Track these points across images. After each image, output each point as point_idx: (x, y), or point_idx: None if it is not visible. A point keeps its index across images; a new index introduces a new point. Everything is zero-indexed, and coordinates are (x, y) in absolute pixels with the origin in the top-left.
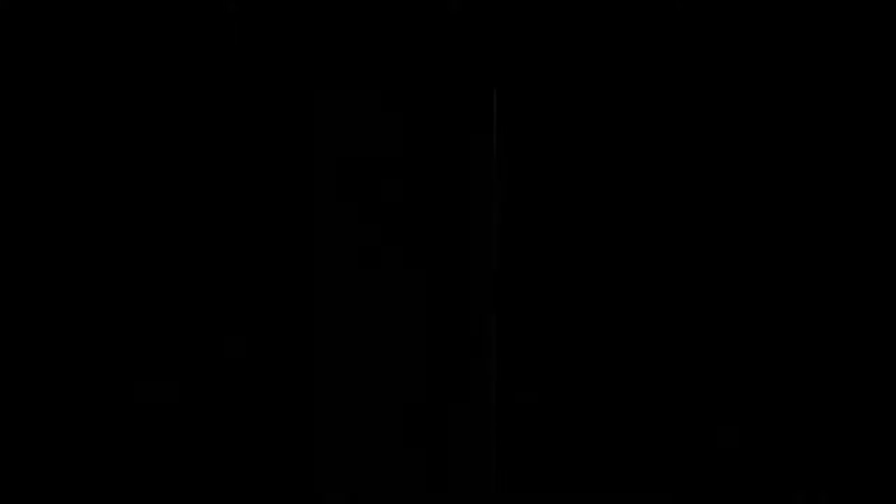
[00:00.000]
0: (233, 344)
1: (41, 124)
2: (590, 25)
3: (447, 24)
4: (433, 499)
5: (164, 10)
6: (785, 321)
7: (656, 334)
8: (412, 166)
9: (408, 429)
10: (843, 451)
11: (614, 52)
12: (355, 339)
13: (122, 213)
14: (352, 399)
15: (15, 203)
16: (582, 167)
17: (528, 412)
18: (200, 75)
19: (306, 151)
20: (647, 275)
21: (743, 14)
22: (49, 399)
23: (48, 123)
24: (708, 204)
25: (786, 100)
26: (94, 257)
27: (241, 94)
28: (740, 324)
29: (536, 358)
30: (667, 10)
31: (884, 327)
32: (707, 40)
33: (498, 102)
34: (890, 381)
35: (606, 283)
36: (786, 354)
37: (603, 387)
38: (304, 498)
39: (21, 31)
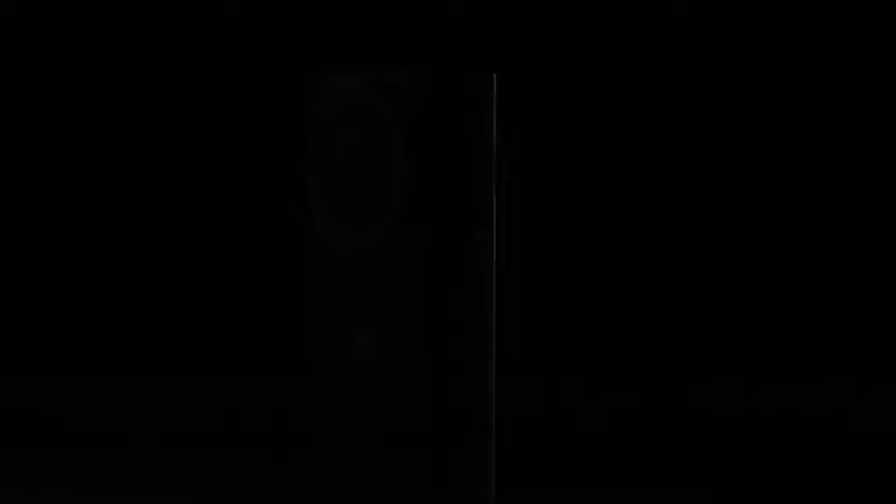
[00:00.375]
0: None
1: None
2: (579, 18)
3: (447, 19)
4: (433, 499)
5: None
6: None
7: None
8: (414, 151)
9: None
10: None
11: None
12: (354, 330)
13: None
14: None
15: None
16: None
17: (529, 412)
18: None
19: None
20: (654, 273)
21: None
22: None
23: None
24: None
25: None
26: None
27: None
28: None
29: (537, 353)
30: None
31: None
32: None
33: (497, 87)
34: None
35: (612, 275)
36: None
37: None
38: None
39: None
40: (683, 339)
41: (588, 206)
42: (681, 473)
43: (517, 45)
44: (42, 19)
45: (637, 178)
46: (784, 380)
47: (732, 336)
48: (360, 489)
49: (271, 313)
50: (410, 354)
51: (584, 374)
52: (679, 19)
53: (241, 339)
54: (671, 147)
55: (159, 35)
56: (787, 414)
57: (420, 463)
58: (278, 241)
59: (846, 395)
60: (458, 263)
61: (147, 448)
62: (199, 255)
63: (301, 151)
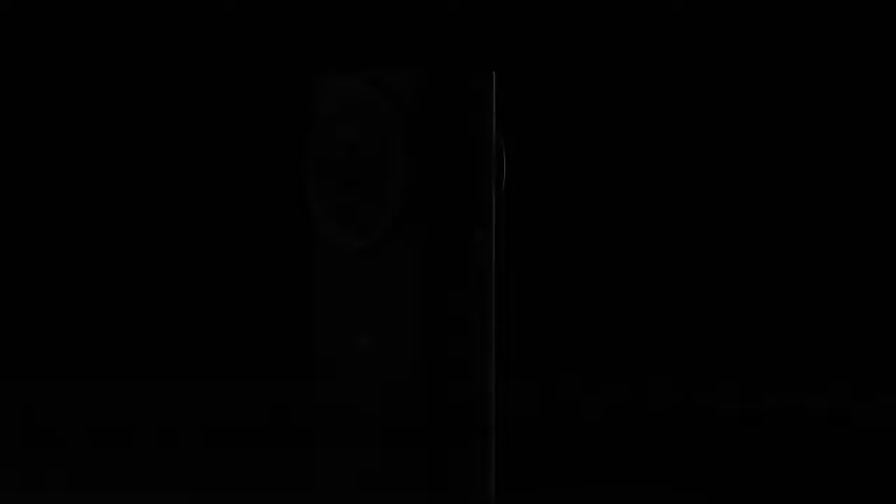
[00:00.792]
0: None
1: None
2: (579, 17)
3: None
4: (432, 499)
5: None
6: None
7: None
8: (413, 150)
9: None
10: None
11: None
12: (354, 330)
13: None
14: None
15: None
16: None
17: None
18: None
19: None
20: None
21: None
22: None
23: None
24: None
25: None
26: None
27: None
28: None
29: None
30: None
31: None
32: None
33: (497, 84)
34: None
35: (611, 272)
36: None
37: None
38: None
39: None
40: (683, 338)
41: (588, 204)
42: (681, 473)
43: (517, 43)
44: (42, 19)
45: (637, 176)
46: (784, 380)
47: (732, 336)
48: (360, 489)
49: (271, 313)
50: (410, 354)
51: (585, 374)
52: (679, 19)
53: (241, 339)
54: (671, 146)
55: (159, 35)
56: (787, 414)
57: (420, 463)
58: (278, 240)
59: (846, 395)
60: (458, 263)
61: (147, 448)
62: (199, 255)
63: (300, 151)
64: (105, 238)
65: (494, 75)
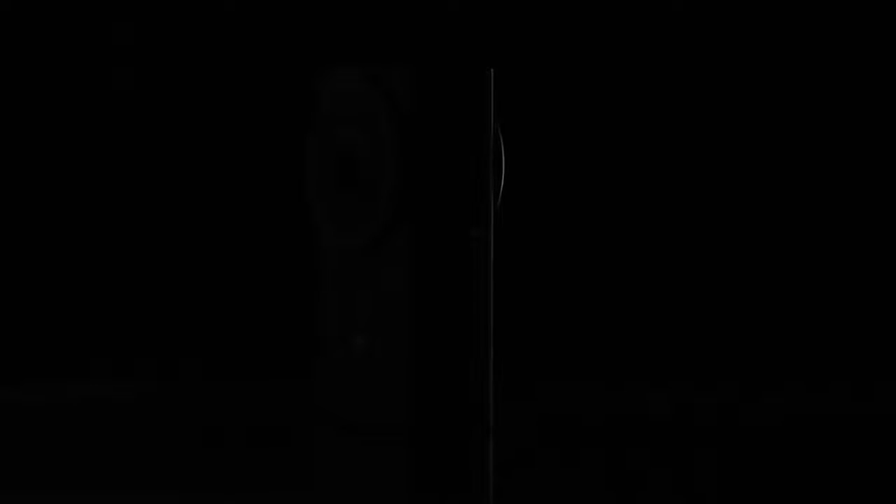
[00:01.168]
0: None
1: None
2: (579, 16)
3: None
4: (432, 499)
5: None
6: None
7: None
8: (413, 150)
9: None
10: None
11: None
12: (354, 329)
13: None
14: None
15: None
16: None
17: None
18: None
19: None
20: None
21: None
22: None
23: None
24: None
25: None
26: None
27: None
28: None
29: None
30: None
31: None
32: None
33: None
34: None
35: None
36: None
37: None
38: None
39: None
40: (684, 338)
41: (586, 204)
42: (681, 474)
43: (516, 42)
44: (42, 19)
45: (637, 175)
46: (784, 380)
47: (732, 336)
48: (359, 489)
49: (271, 313)
50: (409, 354)
51: (584, 374)
52: (679, 19)
53: (241, 338)
54: (671, 145)
55: (159, 34)
56: (787, 414)
57: (418, 463)
58: (277, 240)
59: (846, 395)
60: (457, 263)
61: (147, 448)
62: (199, 256)
63: (300, 151)
64: (105, 238)
65: (492, 73)
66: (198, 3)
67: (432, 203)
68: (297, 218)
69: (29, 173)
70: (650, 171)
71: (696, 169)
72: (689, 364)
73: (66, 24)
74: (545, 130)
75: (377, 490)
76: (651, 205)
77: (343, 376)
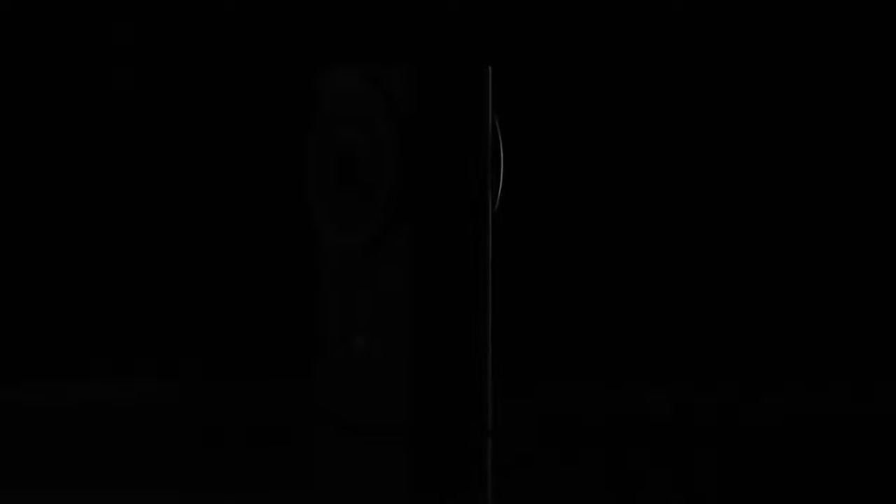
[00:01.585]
0: None
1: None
2: (579, 15)
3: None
4: (431, 499)
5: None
6: None
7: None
8: (412, 149)
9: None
10: None
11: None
12: (354, 329)
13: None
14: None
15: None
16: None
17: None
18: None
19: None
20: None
21: None
22: None
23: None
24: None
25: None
26: None
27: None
28: None
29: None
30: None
31: None
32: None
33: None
34: None
35: (607, 273)
36: None
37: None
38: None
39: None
40: (684, 338)
41: (586, 203)
42: (681, 473)
43: (515, 40)
44: (42, 19)
45: (636, 174)
46: (784, 380)
47: (732, 336)
48: (359, 489)
49: (271, 313)
50: (409, 354)
51: (584, 374)
52: (679, 18)
53: (241, 338)
54: (672, 145)
55: (159, 34)
56: (787, 414)
57: (418, 463)
58: (277, 240)
59: (846, 394)
60: (456, 262)
61: (147, 448)
62: (199, 256)
63: (300, 151)
64: (105, 238)
65: (490, 71)
66: (198, 3)
67: (432, 203)
68: (298, 218)
69: (29, 173)
70: (650, 170)
71: (696, 168)
72: (689, 364)
73: (66, 24)
74: (545, 129)
75: (377, 490)
76: (651, 204)
77: (343, 376)
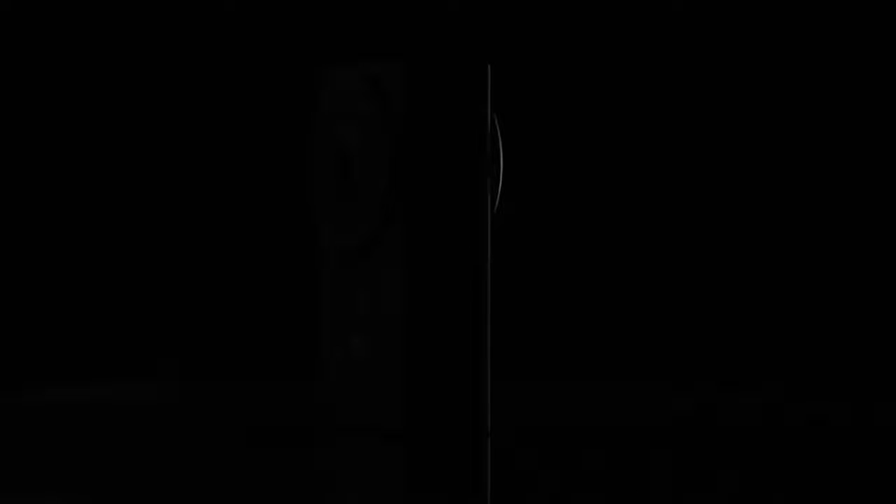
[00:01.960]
0: None
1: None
2: (578, 14)
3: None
4: (431, 499)
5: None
6: None
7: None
8: (411, 149)
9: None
10: None
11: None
12: (354, 330)
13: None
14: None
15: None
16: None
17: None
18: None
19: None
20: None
21: None
22: None
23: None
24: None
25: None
26: None
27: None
28: None
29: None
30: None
31: None
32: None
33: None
34: None
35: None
36: None
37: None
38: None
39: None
40: (683, 338)
41: (586, 202)
42: (682, 473)
43: (515, 39)
44: (42, 19)
45: (636, 175)
46: (784, 380)
47: (732, 335)
48: (358, 489)
49: (271, 313)
50: (407, 354)
51: (584, 374)
52: (679, 18)
53: (242, 338)
54: (672, 145)
55: (158, 34)
56: (787, 414)
57: (418, 464)
58: (278, 241)
59: (845, 395)
60: (455, 262)
61: (147, 448)
62: (200, 256)
63: (301, 151)
64: (105, 238)
65: (489, 69)
66: (198, 2)
67: (430, 203)
68: (298, 218)
69: (30, 174)
70: (650, 171)
71: (696, 169)
72: (688, 364)
73: (66, 24)
74: (544, 129)
75: (377, 491)
76: (650, 204)
77: (343, 377)
